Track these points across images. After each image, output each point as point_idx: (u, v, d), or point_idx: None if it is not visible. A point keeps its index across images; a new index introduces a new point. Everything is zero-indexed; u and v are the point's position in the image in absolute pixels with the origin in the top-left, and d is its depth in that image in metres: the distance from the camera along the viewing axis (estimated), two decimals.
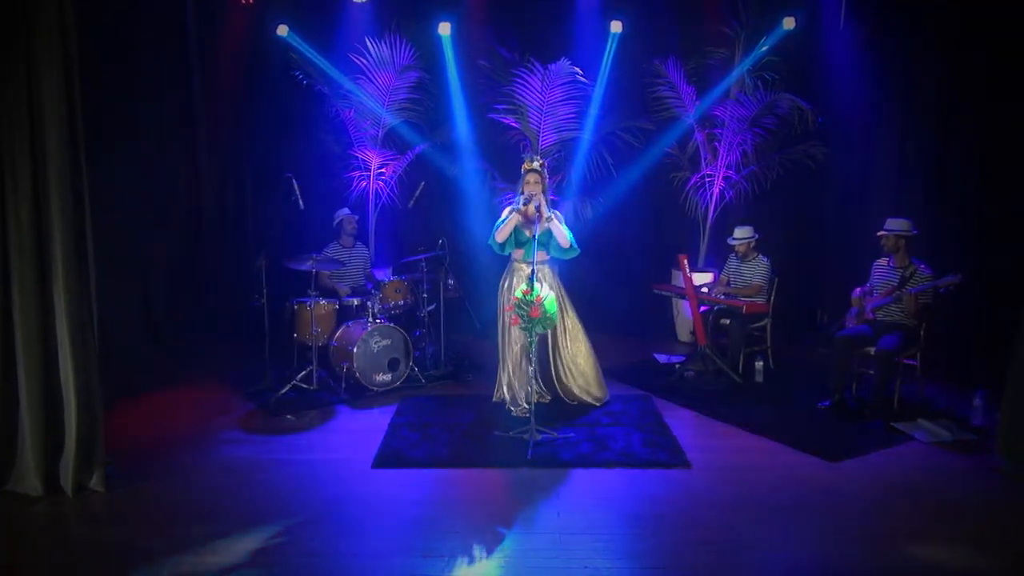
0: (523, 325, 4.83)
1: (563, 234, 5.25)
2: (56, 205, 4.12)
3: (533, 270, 4.96)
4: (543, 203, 5.19)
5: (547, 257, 5.42)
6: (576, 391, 5.59)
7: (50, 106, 4.07)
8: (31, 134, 4.08)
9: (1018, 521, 3.95)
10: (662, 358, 6.98)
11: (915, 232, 5.56)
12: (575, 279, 7.92)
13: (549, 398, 5.60)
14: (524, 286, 4.93)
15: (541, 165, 5.30)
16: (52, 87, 4.06)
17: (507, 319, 5.34)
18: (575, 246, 5.36)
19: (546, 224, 5.22)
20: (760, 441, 5.00)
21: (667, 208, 7.81)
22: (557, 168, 7.46)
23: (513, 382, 5.47)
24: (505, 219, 5.29)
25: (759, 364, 6.30)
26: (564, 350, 5.56)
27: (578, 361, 5.59)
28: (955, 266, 5.67)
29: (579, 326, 5.61)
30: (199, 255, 7.26)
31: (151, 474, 4.45)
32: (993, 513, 4.03)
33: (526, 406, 5.24)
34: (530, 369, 5.09)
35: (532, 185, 5.21)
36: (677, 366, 6.58)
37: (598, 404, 5.59)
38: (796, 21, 7.07)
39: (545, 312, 4.77)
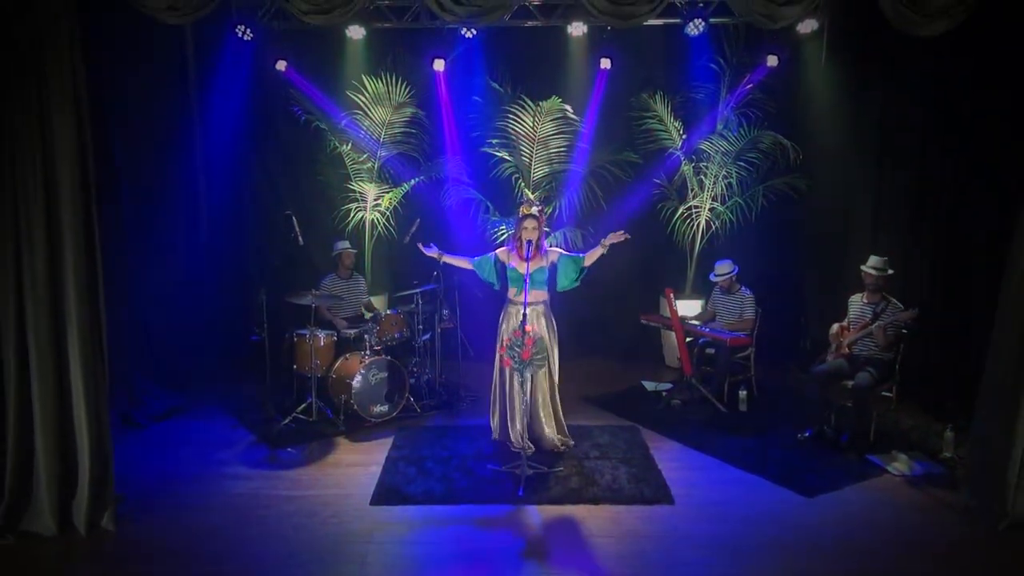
0: (515, 366, 5.04)
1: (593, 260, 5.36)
2: (70, 256, 4.32)
3: (524, 313, 5.16)
4: (533, 243, 5.32)
5: (545, 297, 5.52)
6: (551, 437, 5.57)
7: (61, 148, 4.25)
8: (44, 179, 4.26)
9: (980, 559, 4.20)
10: (649, 385, 7.22)
11: (890, 272, 5.82)
12: (565, 306, 8.17)
13: (533, 450, 5.45)
14: (515, 327, 5.15)
15: (540, 211, 5.47)
16: (64, 129, 4.25)
17: (500, 362, 5.45)
18: (578, 281, 5.46)
19: (542, 263, 5.40)
20: (741, 474, 5.23)
21: (655, 237, 8.04)
22: (549, 199, 7.70)
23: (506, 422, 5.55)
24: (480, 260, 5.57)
25: (743, 393, 6.55)
26: (544, 395, 5.55)
27: (552, 401, 5.60)
28: (929, 299, 5.94)
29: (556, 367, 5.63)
30: (200, 289, 7.43)
31: (160, 511, 4.66)
32: (957, 551, 4.27)
33: (523, 445, 5.35)
34: (521, 408, 5.31)
35: (531, 231, 5.29)
36: (664, 394, 6.82)
37: (562, 447, 5.57)
38: (779, 59, 7.32)
39: (535, 353, 4.98)
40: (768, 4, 4.03)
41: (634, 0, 4.02)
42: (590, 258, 5.38)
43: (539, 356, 5.06)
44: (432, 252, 5.70)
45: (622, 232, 5.21)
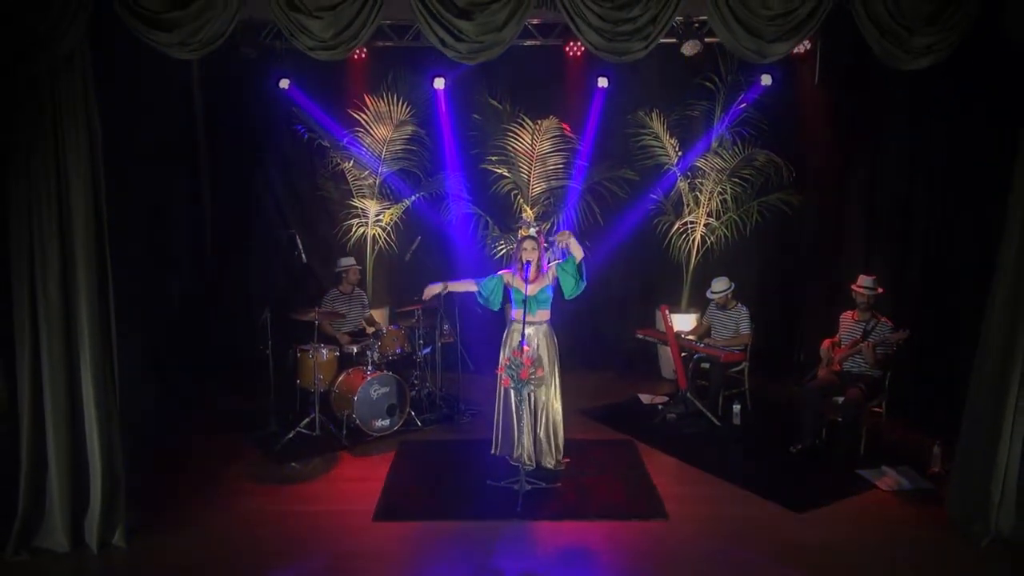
0: (514, 385, 5.17)
1: (579, 249, 5.37)
2: (83, 279, 4.43)
3: (523, 332, 5.29)
4: (533, 264, 5.46)
5: (547, 316, 5.58)
6: (548, 456, 5.62)
7: (75, 175, 4.36)
8: (58, 204, 4.37)
9: (965, 575, 4.33)
10: (645, 398, 7.36)
11: (880, 290, 5.97)
12: (563, 319, 8.31)
13: (532, 466, 5.54)
14: (515, 346, 5.28)
15: (538, 232, 5.60)
16: (78, 157, 4.36)
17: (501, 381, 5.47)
18: (583, 279, 5.44)
19: (544, 281, 5.47)
20: (733, 489, 5.36)
21: (651, 252, 8.18)
22: (547, 215, 7.86)
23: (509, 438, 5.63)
24: (487, 281, 5.59)
25: (736, 407, 6.68)
26: (550, 413, 5.62)
27: (557, 422, 5.67)
28: (920, 315, 6.07)
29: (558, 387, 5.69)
30: (205, 306, 7.57)
31: (168, 527, 4.78)
32: (943, 566, 4.41)
33: (525, 460, 5.46)
34: (519, 425, 5.43)
35: (530, 252, 5.37)
36: (660, 407, 6.97)
37: (556, 467, 5.63)
38: (772, 78, 7.47)
39: (533, 372, 5.12)
40: (757, 41, 4.15)
41: (628, 38, 4.16)
42: (575, 251, 5.34)
43: (537, 376, 5.19)
44: (436, 289, 5.70)
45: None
